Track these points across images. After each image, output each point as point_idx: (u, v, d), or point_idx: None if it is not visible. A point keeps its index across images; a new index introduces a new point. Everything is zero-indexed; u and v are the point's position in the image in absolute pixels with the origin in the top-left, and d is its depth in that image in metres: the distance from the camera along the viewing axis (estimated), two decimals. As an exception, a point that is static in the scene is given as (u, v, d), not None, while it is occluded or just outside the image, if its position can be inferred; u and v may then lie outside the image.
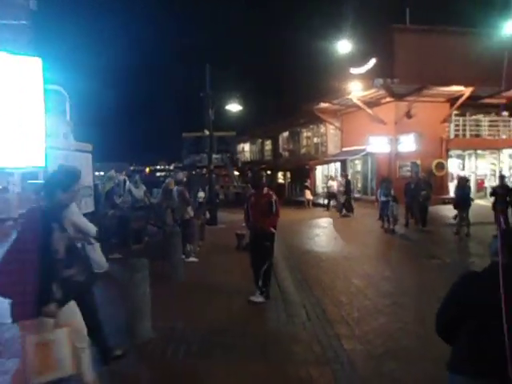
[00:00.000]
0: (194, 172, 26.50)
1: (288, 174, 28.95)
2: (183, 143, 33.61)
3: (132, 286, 4.23)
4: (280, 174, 30.37)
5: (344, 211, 15.64)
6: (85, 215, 7.06)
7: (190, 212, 8.10)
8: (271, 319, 4.86)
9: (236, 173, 30.48)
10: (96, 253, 5.20)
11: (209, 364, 3.74)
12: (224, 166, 28.76)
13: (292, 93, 24.22)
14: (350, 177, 18.45)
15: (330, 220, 14.78)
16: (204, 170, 23.03)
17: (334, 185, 17.95)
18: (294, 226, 12.82)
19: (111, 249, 7.94)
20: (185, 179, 8.76)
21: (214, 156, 16.83)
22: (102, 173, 15.55)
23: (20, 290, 2.51)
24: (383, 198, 11.50)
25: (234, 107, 15.14)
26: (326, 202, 18.62)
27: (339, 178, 18.57)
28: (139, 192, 9.65)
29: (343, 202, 15.97)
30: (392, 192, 11.45)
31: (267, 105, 27.35)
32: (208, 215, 11.69)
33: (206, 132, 14.19)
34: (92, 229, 3.77)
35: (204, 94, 13.20)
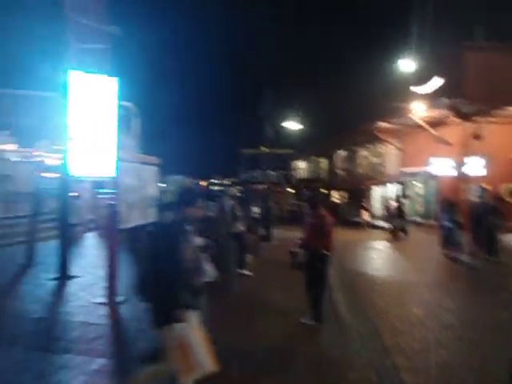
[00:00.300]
0: (248, 188, 26.94)
1: (343, 194, 28.42)
2: (240, 159, 34.37)
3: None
4: (335, 194, 29.90)
5: (400, 234, 15.12)
6: (148, 225, 7.49)
7: (240, 227, 8.21)
8: (325, 342, 4.77)
9: (290, 190, 30.50)
10: (207, 263, 5.47)
11: (261, 380, 3.74)
12: (278, 182, 28.94)
13: (350, 111, 23.98)
14: (407, 199, 17.71)
15: (387, 243, 14.24)
16: (259, 186, 23.34)
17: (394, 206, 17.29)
18: (350, 248, 12.50)
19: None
20: (238, 194, 8.92)
21: (271, 173, 17.01)
22: (163, 184, 16.36)
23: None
24: (447, 224, 10.88)
25: (292, 125, 15.29)
26: (384, 224, 17.92)
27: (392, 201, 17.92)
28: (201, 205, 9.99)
29: (395, 225, 15.50)
30: (457, 217, 10.81)
31: (324, 123, 27.25)
32: (263, 231, 11.76)
33: (264, 149, 14.43)
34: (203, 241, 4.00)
35: (263, 113, 13.50)
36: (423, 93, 17.59)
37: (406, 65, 18.04)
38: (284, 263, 9.02)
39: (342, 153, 30.23)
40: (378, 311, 6.06)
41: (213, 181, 41.20)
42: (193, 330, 2.82)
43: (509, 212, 15.75)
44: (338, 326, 5.30)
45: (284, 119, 14.60)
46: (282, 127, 15.21)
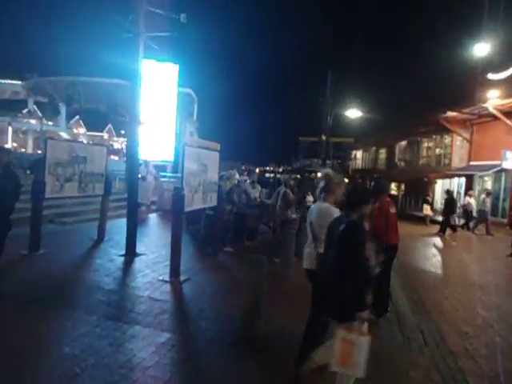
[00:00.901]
0: (303, 176, 26.74)
1: (402, 186, 27.26)
2: (298, 147, 34.12)
3: (250, 281, 4.46)
4: (393, 185, 28.77)
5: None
6: (208, 209, 7.72)
7: (291, 214, 8.17)
8: (385, 338, 4.66)
9: (345, 180, 29.81)
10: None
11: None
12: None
13: (415, 100, 22.75)
14: (474, 194, 16.50)
15: (452, 241, 13.49)
16: (313, 175, 23.04)
17: (472, 202, 15.96)
18: (410, 243, 12.03)
19: (226, 242, 8.51)
20: (292, 182, 8.84)
21: (327, 162, 16.71)
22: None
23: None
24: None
25: (353, 113, 14.84)
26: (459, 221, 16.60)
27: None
28: (255, 192, 10.12)
29: (442, 221, 14.40)
30: None
31: (386, 112, 26.13)
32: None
33: (322, 137, 14.18)
34: None
35: (324, 100, 13.22)
36: (499, 79, 16.28)
37: (480, 49, 16.71)
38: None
39: (403, 143, 28.91)
40: (442, 312, 5.79)
41: (268, 168, 41.37)
42: (362, 333, 2.87)
43: None
44: (399, 323, 5.16)
45: (345, 107, 14.18)
46: (342, 115, 14.77)
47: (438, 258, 10.50)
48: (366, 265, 2.89)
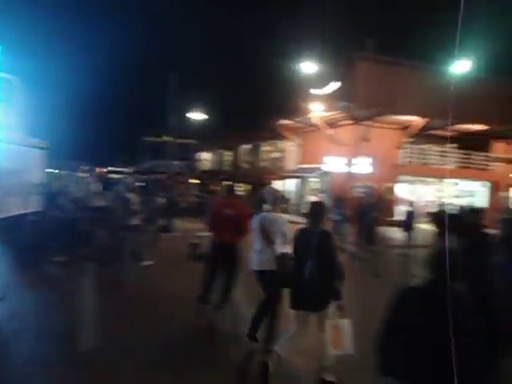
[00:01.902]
0: (150, 177, 26.00)
1: (247, 187, 29.14)
2: (142, 147, 32.91)
3: (77, 290, 4.08)
4: (239, 186, 30.50)
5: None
6: (28, 215, 6.75)
7: (136, 219, 7.95)
8: (221, 326, 4.86)
9: (194, 181, 30.26)
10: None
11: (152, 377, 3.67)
12: (182, 173, 28.50)
13: (256, 106, 24.60)
14: (318, 194, 18.85)
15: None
16: (162, 176, 22.66)
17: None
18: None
19: (55, 251, 7.60)
20: (136, 184, 8.57)
21: (174, 163, 16.62)
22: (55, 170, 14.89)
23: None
24: (337, 217, 11.91)
25: (197, 116, 15.12)
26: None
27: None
28: (96, 194, 9.36)
29: None
30: (344, 211, 11.90)
31: (230, 116, 27.56)
32: (164, 222, 11.49)
33: (167, 138, 14.04)
34: None
35: (167, 101, 13.12)
36: (322, 94, 18.90)
37: (307, 67, 19.08)
38: (183, 254, 8.97)
39: (246, 146, 30.99)
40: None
41: (111, 168, 38.69)
42: (344, 317, 3.51)
43: (387, 208, 17.95)
44: (234, 312, 5.47)
45: (190, 109, 14.38)
46: (187, 117, 14.95)
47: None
48: (339, 263, 3.68)
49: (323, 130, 19.38)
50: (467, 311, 1.82)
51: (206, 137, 31.57)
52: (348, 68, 18.53)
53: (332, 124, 19.48)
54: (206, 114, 15.13)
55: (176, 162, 22.18)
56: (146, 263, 7.66)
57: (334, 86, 18.41)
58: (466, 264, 2.07)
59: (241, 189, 30.58)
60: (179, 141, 16.50)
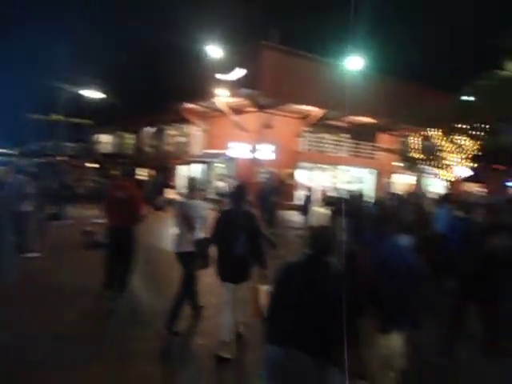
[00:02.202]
0: (41, 160, 23.47)
1: (150, 172, 28.09)
2: (28, 126, 29.39)
3: None
4: (142, 171, 29.23)
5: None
6: None
7: (27, 205, 7.21)
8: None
9: (92, 165, 28.15)
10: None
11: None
12: (77, 156, 26.27)
13: (159, 88, 23.64)
14: (226, 179, 18.86)
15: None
16: (53, 159, 20.60)
17: (224, 186, 17.91)
18: (156, 225, 12.57)
19: None
20: (27, 167, 7.72)
21: (68, 145, 15.21)
22: None
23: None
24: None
25: (92, 94, 13.99)
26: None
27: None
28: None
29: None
30: (247, 196, 12.23)
31: (131, 97, 26.07)
32: (54, 209, 10.53)
33: (57, 117, 12.74)
34: None
35: (57, 75, 11.87)
36: (226, 80, 18.93)
37: (213, 51, 18.88)
38: (76, 244, 8.38)
39: (150, 129, 29.74)
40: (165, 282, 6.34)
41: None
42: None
43: (287, 193, 18.93)
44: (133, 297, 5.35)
45: (83, 86, 13.16)
46: (81, 95, 13.69)
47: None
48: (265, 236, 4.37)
49: (229, 115, 19.51)
50: (336, 280, 2.03)
51: (104, 118, 29.45)
52: (253, 56, 18.82)
53: (237, 110, 19.70)
54: (104, 92, 14.02)
55: (70, 144, 20.31)
56: (31, 255, 6.96)
57: (240, 72, 18.57)
58: (349, 240, 2.30)
59: (144, 173, 29.44)
60: (72, 120, 15.07)
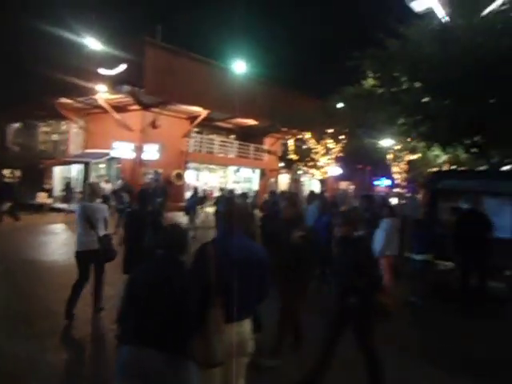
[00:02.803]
0: None
1: (17, 173, 24.86)
2: None
3: None
4: (7, 172, 25.70)
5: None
6: None
7: None
8: None
9: None
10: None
11: None
12: None
13: (30, 80, 21.09)
14: (110, 180, 17.62)
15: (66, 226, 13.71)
16: None
17: (108, 187, 16.13)
18: (23, 233, 11.26)
19: None
20: None
21: None
22: None
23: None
24: (119, 206, 11.70)
25: None
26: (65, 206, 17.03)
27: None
28: None
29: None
30: (126, 199, 11.77)
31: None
32: None
33: None
34: None
35: None
36: (109, 75, 17.83)
37: (92, 44, 17.64)
38: None
39: (17, 125, 26.31)
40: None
41: None
42: None
43: (176, 193, 18.71)
44: None
45: None
46: None
47: (51, 245, 10.42)
48: None
49: (111, 113, 18.41)
50: (189, 277, 2.15)
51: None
52: (136, 52, 18.03)
53: (120, 108, 18.73)
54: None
55: None
56: None
57: (122, 68, 17.66)
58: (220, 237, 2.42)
59: (10, 175, 25.99)
60: None
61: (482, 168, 10.19)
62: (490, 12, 7.99)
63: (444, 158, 15.27)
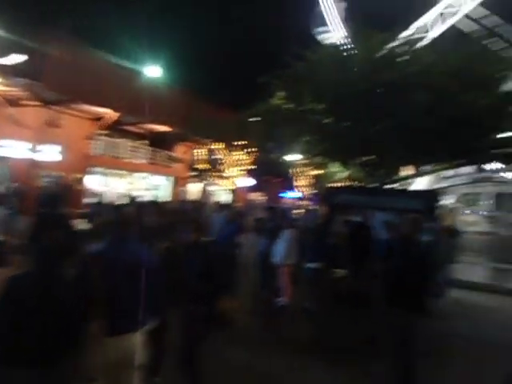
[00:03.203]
0: None
1: None
2: None
3: None
4: None
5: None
6: None
7: None
8: None
9: None
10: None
11: None
12: None
13: None
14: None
15: None
16: None
17: None
18: None
19: None
20: None
21: None
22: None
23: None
24: (7, 211, 10.47)
25: None
26: None
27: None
28: None
29: None
30: (15, 204, 10.61)
31: None
32: None
33: None
34: None
35: None
36: (2, 64, 16.02)
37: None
38: None
39: None
40: None
41: None
42: None
43: (75, 199, 17.34)
44: None
45: None
46: None
47: None
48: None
49: (1, 107, 16.50)
50: (66, 289, 2.02)
51: None
52: (39, 44, 16.47)
53: (13, 101, 16.89)
54: None
55: None
56: None
57: (18, 58, 15.98)
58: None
59: None
60: None
61: (374, 185, 11.34)
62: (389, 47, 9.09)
63: (345, 174, 16.66)
